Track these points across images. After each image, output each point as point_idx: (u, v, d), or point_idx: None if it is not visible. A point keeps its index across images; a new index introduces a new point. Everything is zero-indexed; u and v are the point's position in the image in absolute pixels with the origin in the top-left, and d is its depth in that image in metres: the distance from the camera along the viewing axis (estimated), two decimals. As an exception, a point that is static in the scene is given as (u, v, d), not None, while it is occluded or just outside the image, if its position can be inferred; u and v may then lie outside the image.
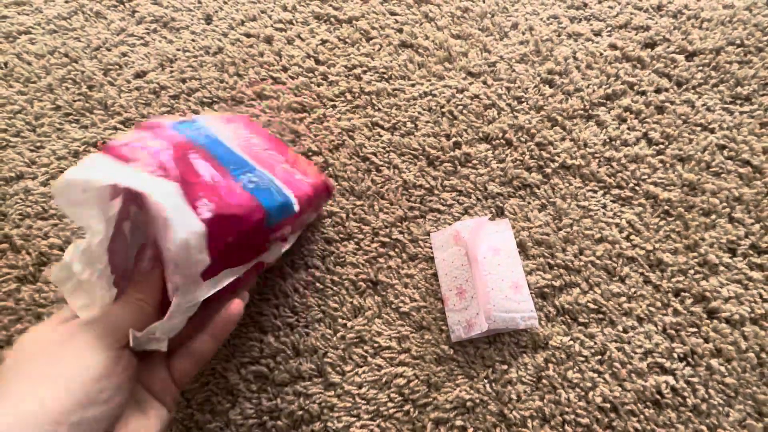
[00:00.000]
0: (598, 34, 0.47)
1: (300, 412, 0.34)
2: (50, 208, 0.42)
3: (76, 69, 0.48)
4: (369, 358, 0.35)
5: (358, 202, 0.40)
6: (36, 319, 0.38)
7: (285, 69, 0.47)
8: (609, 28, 0.47)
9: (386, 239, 0.39)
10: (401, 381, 0.34)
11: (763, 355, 0.33)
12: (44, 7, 0.52)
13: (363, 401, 0.34)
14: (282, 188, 0.31)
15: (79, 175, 0.24)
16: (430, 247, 0.39)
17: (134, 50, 0.49)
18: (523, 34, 0.47)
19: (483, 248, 0.35)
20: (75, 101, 0.46)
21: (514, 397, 0.33)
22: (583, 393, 0.33)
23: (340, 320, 0.36)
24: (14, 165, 0.44)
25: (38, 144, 0.45)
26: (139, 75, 0.48)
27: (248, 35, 0.49)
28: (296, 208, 0.31)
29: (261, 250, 0.30)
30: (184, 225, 0.24)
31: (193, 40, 0.49)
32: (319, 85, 0.46)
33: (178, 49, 0.49)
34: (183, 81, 0.47)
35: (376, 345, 0.35)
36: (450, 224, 0.39)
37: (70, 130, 0.45)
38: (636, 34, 0.46)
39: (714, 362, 0.34)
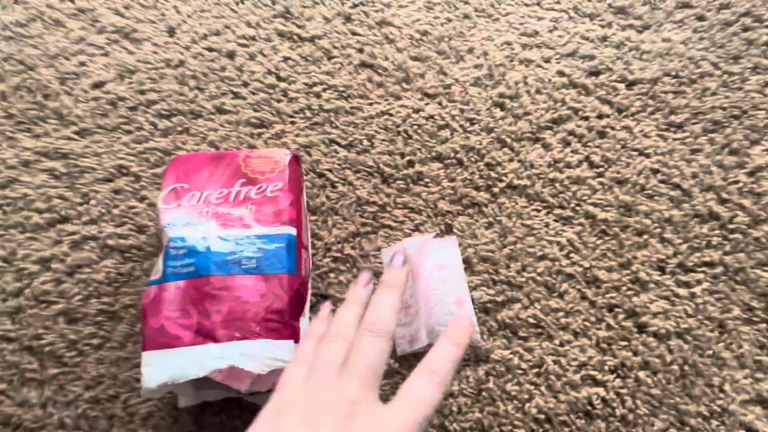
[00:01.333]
0: (547, 61, 0.49)
1: (243, 427, 0.34)
2: (-3, 218, 0.41)
3: (32, 77, 0.47)
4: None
5: (312, 218, 0.41)
6: (-24, 333, 0.37)
7: (245, 84, 0.48)
8: (558, 56, 0.50)
9: (338, 254, 0.40)
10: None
11: (686, 367, 0.36)
12: (1, 13, 0.51)
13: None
14: (271, 233, 0.32)
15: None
16: (380, 262, 0.40)
17: (93, 60, 0.49)
18: (478, 58, 0.49)
19: (428, 265, 0.37)
20: (28, 110, 0.46)
21: (455, 409, 0.35)
22: (520, 405, 0.35)
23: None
24: (-39, 173, 0.43)
25: (-12, 152, 0.44)
26: (97, 85, 0.47)
27: (210, 49, 0.50)
28: (293, 233, 0.32)
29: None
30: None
31: (154, 52, 0.49)
32: (278, 101, 0.47)
33: (138, 61, 0.49)
34: (142, 93, 0.47)
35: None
36: (400, 240, 0.40)
37: (21, 138, 0.44)
38: (582, 63, 0.49)
39: (641, 374, 0.36)
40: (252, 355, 0.28)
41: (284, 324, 0.30)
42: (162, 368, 0.28)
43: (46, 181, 0.42)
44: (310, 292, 0.36)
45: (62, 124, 0.45)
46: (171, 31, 0.51)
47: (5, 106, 0.46)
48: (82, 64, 0.49)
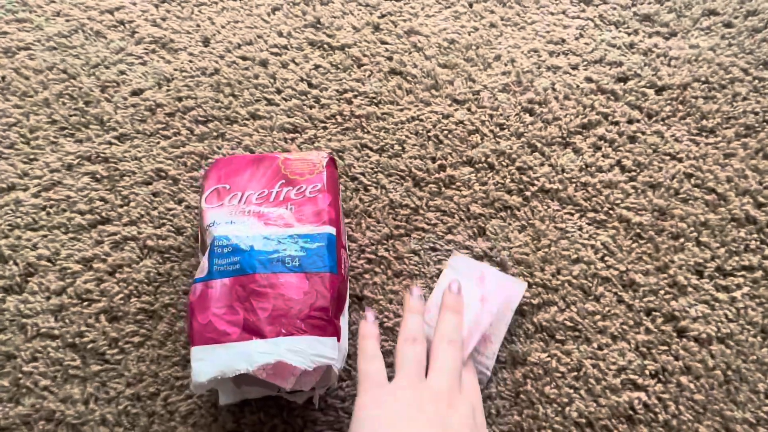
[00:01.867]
0: (575, 68, 0.50)
1: (283, 426, 0.34)
2: (40, 219, 0.42)
3: (74, 85, 0.49)
4: (353, 372, 0.36)
5: (346, 220, 0.42)
6: (20, 330, 0.38)
7: (279, 91, 0.49)
8: (585, 63, 0.50)
9: (372, 256, 0.40)
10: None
11: (729, 372, 0.35)
12: (45, 25, 0.54)
13: (346, 415, 0.35)
14: (313, 232, 0.33)
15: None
16: (415, 264, 0.40)
17: (132, 69, 0.51)
18: (506, 65, 0.50)
19: (498, 300, 0.36)
20: (71, 116, 0.47)
21: (493, 411, 0.34)
22: (560, 408, 0.34)
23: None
24: (6, 176, 0.44)
25: (32, 156, 0.45)
26: (135, 93, 0.49)
27: (244, 58, 0.51)
28: (333, 232, 0.33)
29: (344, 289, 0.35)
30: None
31: (190, 61, 0.51)
32: (311, 107, 0.48)
33: (175, 69, 0.50)
34: (179, 99, 0.48)
35: (360, 359, 0.36)
36: (436, 244, 0.40)
37: (64, 143, 0.46)
38: (610, 69, 0.49)
39: (684, 379, 0.35)
40: (298, 351, 0.29)
41: (328, 321, 0.30)
42: (211, 363, 0.29)
43: (88, 184, 0.44)
44: (348, 291, 0.36)
45: (103, 130, 0.47)
46: (206, 41, 0.52)
47: (49, 112, 0.48)
48: (122, 72, 0.50)
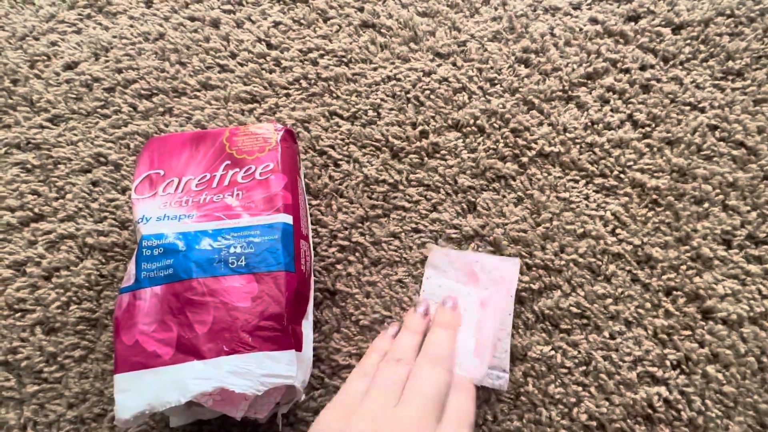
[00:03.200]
0: (577, 7, 0.42)
1: (250, 443, 0.30)
2: (-33, 219, 0.37)
3: (-1, 61, 0.43)
4: (326, 379, 0.31)
5: (314, 202, 0.36)
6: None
7: (233, 55, 0.42)
8: (589, 1, 0.43)
9: (345, 242, 0.35)
10: (362, 404, 0.30)
11: (764, 359, 0.30)
12: (-37, -6, 0.46)
13: (321, 427, 0.30)
14: (263, 223, 0.27)
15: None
16: (395, 250, 0.34)
17: (65, 39, 0.44)
18: (496, 9, 0.43)
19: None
20: (-4, 97, 0.41)
21: (490, 418, 0.30)
22: (566, 410, 0.30)
23: (293, 336, 0.32)
24: (-74, 171, 0.39)
25: (-46, 147, 0.40)
26: (69, 66, 0.42)
27: (192, 19, 0.44)
28: (289, 221, 0.28)
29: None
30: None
31: (131, 26, 0.44)
32: (270, 71, 0.41)
33: (114, 36, 0.44)
34: (119, 71, 0.42)
35: (333, 364, 0.31)
36: (419, 224, 0.35)
37: (-11, 130, 0.40)
38: (618, 7, 0.42)
39: (710, 369, 0.30)
40: (244, 373, 0.24)
41: (283, 331, 0.25)
42: (138, 394, 0.24)
43: (17, 176, 0.38)
44: (313, 288, 0.31)
45: (33, 112, 0.41)
46: (148, 2, 0.45)
47: (-29, 95, 0.42)
48: (53, 44, 0.44)
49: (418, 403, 0.24)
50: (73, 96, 0.41)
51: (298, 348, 0.26)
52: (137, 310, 0.25)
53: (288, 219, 0.28)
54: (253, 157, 0.29)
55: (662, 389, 0.30)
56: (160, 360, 0.24)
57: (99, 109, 0.41)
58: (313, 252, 0.34)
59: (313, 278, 0.31)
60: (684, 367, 0.30)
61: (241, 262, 0.26)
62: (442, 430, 0.24)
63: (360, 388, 0.26)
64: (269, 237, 0.27)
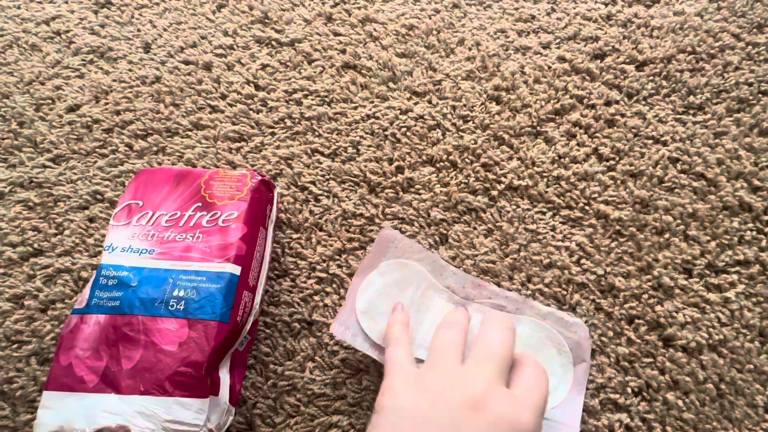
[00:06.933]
0: (546, 47, 0.45)
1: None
2: (-28, 254, 0.39)
3: (7, 105, 0.46)
4: (302, 407, 0.33)
5: (295, 236, 0.38)
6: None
7: (223, 96, 0.45)
8: (557, 41, 0.45)
9: (323, 274, 0.37)
10: (335, 431, 0.32)
11: (723, 386, 0.31)
12: (-23, 42, 0.50)
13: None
14: (211, 270, 0.29)
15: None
16: (370, 281, 0.36)
17: (69, 83, 0.47)
18: (470, 50, 0.45)
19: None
20: (3, 139, 0.44)
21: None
22: (531, 436, 0.31)
23: (271, 366, 0.34)
24: (-63, 210, 0.41)
25: (-37, 186, 0.42)
26: (71, 109, 0.46)
27: (187, 62, 0.47)
28: (237, 272, 0.29)
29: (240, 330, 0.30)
30: None
31: (129, 70, 0.47)
32: (258, 111, 0.44)
33: (113, 80, 0.47)
34: (117, 113, 0.45)
35: (309, 392, 0.33)
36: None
37: (-4, 170, 0.43)
38: (585, 45, 0.44)
39: (671, 396, 0.31)
40: (150, 415, 0.25)
41: (199, 379, 0.26)
42: (56, 413, 0.25)
43: (19, 213, 0.41)
44: (243, 334, 0.31)
45: (37, 152, 0.44)
46: (147, 47, 0.49)
47: (-20, 137, 0.45)
48: (57, 88, 0.47)
49: (488, 362, 0.25)
50: (75, 137, 0.44)
51: (216, 393, 0.27)
52: (80, 333, 0.27)
53: (236, 270, 0.29)
54: (222, 203, 0.31)
55: (624, 416, 0.31)
56: (84, 386, 0.26)
57: (98, 149, 0.43)
58: (290, 283, 0.36)
59: (248, 327, 0.31)
60: (645, 394, 0.32)
61: (180, 306, 0.27)
62: (503, 398, 0.24)
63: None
64: (213, 285, 0.28)
